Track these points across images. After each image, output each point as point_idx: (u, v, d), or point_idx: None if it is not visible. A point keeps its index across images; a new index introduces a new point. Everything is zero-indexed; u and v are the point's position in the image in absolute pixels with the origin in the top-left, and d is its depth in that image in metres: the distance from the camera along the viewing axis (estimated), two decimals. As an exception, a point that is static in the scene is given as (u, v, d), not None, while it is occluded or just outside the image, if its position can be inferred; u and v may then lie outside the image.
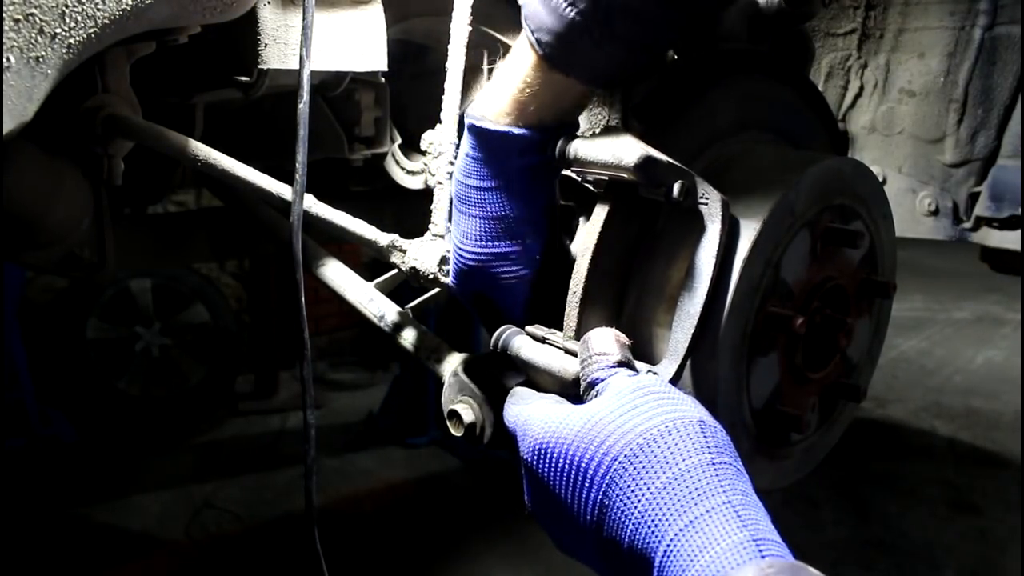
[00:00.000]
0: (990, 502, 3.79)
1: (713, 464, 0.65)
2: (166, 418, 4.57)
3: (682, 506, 0.63)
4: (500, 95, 0.87)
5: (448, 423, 0.91)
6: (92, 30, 0.88)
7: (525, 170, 0.88)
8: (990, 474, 4.10)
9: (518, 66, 0.85)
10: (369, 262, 4.07)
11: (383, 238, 1.16)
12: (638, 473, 0.65)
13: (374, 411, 4.67)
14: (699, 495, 0.63)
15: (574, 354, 0.81)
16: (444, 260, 1.09)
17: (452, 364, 1.08)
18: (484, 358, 0.95)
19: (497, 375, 0.89)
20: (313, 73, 1.17)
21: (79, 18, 0.87)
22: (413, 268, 1.12)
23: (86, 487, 3.85)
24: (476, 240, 0.92)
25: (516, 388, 0.85)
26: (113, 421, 4.41)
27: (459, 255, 0.95)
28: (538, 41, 0.81)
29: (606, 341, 0.77)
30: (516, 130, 0.86)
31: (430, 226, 1.14)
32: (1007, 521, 3.59)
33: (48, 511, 3.64)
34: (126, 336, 4.56)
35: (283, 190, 1.19)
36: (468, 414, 0.89)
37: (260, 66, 1.27)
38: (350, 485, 3.94)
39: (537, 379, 0.86)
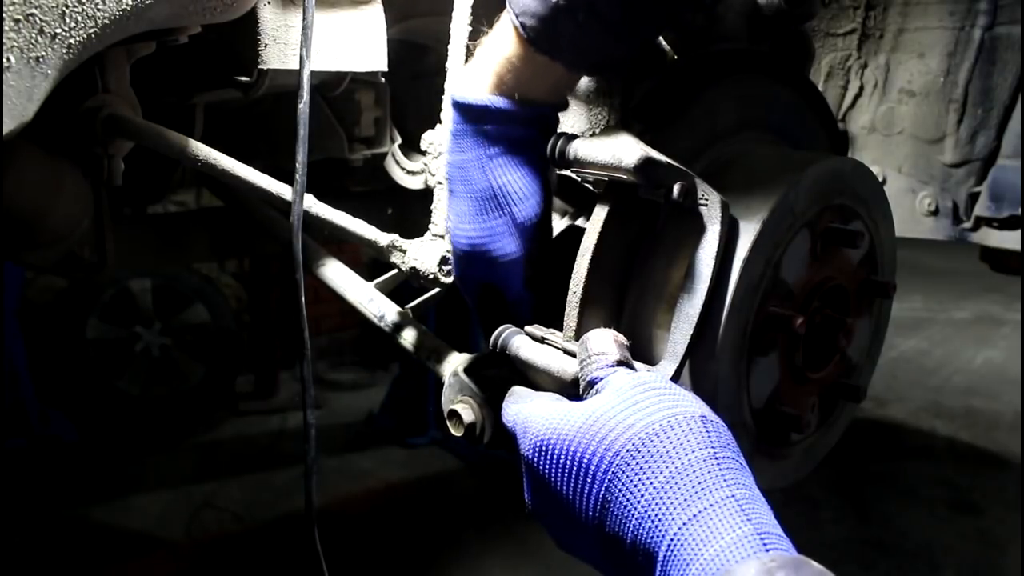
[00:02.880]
0: (990, 502, 3.79)
1: (716, 459, 0.65)
2: (166, 418, 4.57)
3: (685, 501, 0.62)
4: (481, 72, 0.87)
5: (448, 423, 0.91)
6: (92, 30, 0.88)
7: (507, 142, 0.88)
8: (990, 474, 4.10)
9: (501, 47, 0.85)
10: (369, 262, 4.07)
11: (383, 238, 1.16)
12: (641, 468, 0.65)
13: (374, 411, 4.66)
14: (702, 489, 0.63)
15: (573, 355, 0.81)
16: (444, 260, 1.09)
17: (452, 364, 1.08)
18: (484, 358, 0.95)
19: (497, 375, 0.89)
20: (313, 73, 1.17)
21: (79, 18, 0.87)
22: (413, 268, 1.12)
23: (86, 487, 3.84)
24: (465, 219, 0.91)
25: (515, 387, 0.85)
26: (113, 421, 4.41)
27: (454, 239, 0.94)
28: (522, 25, 0.81)
29: (604, 341, 0.77)
30: (495, 101, 0.86)
31: (430, 226, 1.14)
32: (1007, 521, 3.58)
33: (48, 511, 3.64)
34: (126, 336, 4.55)
35: (283, 190, 1.19)
36: (468, 414, 0.89)
37: (260, 66, 1.26)
38: (350, 485, 3.94)
39: (536, 379, 0.86)
